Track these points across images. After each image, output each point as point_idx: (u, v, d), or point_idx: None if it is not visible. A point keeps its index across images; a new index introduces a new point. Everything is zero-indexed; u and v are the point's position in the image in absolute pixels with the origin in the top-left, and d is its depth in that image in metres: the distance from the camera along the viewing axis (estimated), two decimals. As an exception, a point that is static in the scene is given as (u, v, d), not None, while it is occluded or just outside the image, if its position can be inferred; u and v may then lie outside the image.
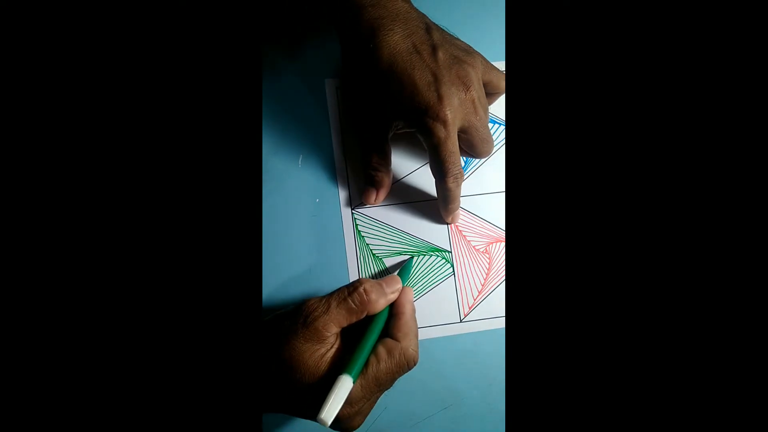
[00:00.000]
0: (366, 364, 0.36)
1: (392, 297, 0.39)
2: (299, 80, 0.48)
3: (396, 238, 0.46)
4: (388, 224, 0.46)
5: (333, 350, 0.36)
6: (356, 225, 0.46)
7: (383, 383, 0.36)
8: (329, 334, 0.36)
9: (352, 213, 0.46)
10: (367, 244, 0.46)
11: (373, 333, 0.37)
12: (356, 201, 0.46)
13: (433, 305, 0.45)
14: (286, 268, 0.45)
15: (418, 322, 0.45)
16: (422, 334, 0.45)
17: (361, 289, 0.37)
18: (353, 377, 0.34)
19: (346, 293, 0.37)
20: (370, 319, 0.38)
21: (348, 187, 0.46)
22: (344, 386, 0.33)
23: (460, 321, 0.45)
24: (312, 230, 0.46)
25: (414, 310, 0.40)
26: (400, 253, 0.46)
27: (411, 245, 0.46)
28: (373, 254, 0.45)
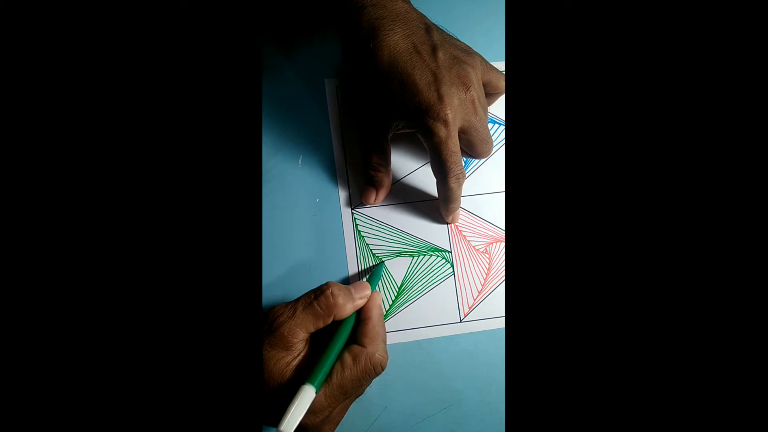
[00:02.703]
0: (331, 372, 0.35)
1: (360, 303, 0.39)
2: (299, 80, 0.48)
3: (396, 238, 0.46)
4: (388, 224, 0.46)
5: (300, 357, 0.36)
6: (356, 225, 0.46)
7: (349, 390, 0.36)
8: (296, 340, 0.35)
9: (352, 213, 0.46)
10: (367, 244, 0.46)
11: (339, 340, 0.37)
12: (356, 201, 0.46)
13: (433, 305, 0.45)
14: (286, 268, 0.45)
15: (417, 322, 0.45)
16: (422, 334, 0.45)
17: (328, 293, 0.36)
18: (316, 386, 0.34)
19: (313, 297, 0.37)
20: (337, 325, 0.38)
21: (348, 187, 0.46)
22: (306, 396, 0.33)
23: (460, 321, 0.45)
24: (312, 230, 0.46)
25: (381, 315, 0.40)
26: (400, 254, 0.46)
27: (411, 245, 0.46)
28: (373, 254, 0.46)
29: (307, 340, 0.36)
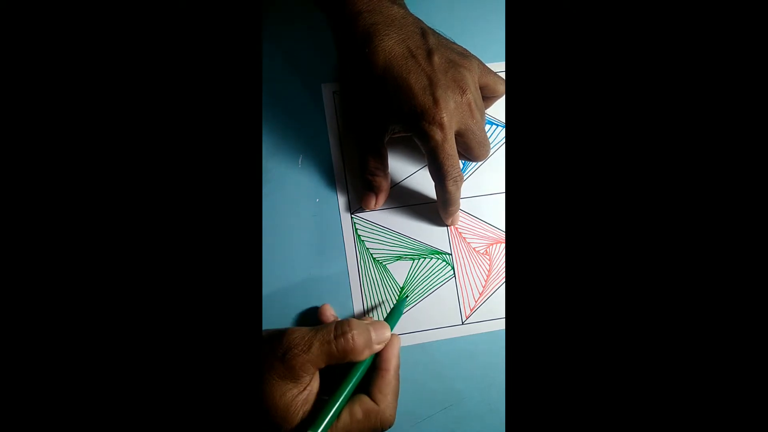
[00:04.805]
0: (339, 419, 0.35)
1: (377, 348, 0.38)
2: (298, 83, 0.48)
3: (396, 242, 0.46)
4: (388, 228, 0.46)
5: (306, 392, 0.35)
6: (356, 229, 0.46)
7: None
8: (306, 374, 0.35)
9: (352, 217, 0.46)
10: (368, 249, 0.46)
11: (348, 385, 0.36)
12: (355, 205, 0.46)
13: (435, 308, 0.45)
14: (286, 268, 0.45)
15: (419, 325, 0.45)
16: (424, 337, 0.45)
17: (348, 336, 0.36)
18: None
19: (332, 336, 0.36)
20: (350, 366, 0.37)
21: (347, 191, 0.47)
22: None
23: (462, 323, 0.45)
24: (312, 231, 0.46)
25: (398, 367, 0.39)
26: (400, 257, 0.46)
27: (411, 248, 0.46)
28: (374, 258, 0.46)
29: (315, 374, 0.36)
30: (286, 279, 0.45)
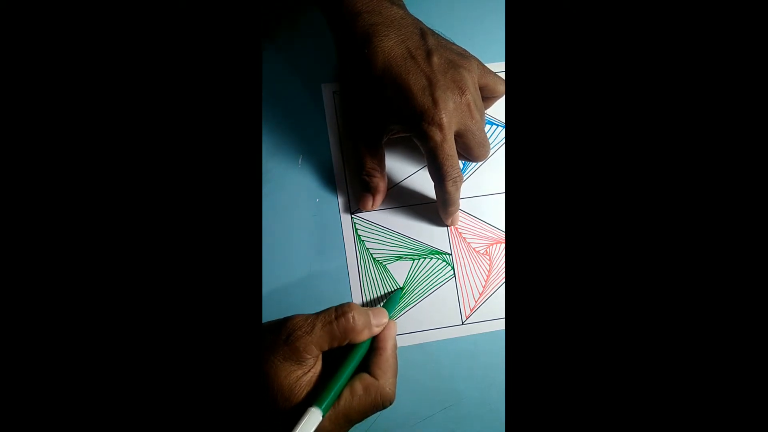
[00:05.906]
0: (339, 397, 0.35)
1: (376, 330, 0.38)
2: (298, 83, 0.48)
3: (396, 242, 0.46)
4: (388, 228, 0.46)
5: (310, 374, 0.36)
6: (356, 229, 0.46)
7: (354, 419, 0.36)
8: (309, 356, 0.35)
9: (352, 218, 0.46)
10: (368, 249, 0.46)
11: (350, 365, 0.37)
12: (355, 205, 0.47)
13: (435, 308, 0.45)
14: (286, 268, 0.45)
15: (419, 326, 0.45)
16: (423, 338, 0.45)
17: (349, 316, 0.36)
18: (323, 410, 0.34)
19: (333, 317, 0.36)
20: (350, 348, 0.37)
21: (347, 191, 0.47)
22: (312, 419, 0.33)
23: (462, 323, 0.45)
24: (312, 231, 0.46)
25: (395, 347, 0.39)
26: (400, 257, 0.46)
27: (411, 248, 0.46)
28: (374, 258, 0.46)
29: (318, 356, 0.36)
30: (286, 279, 0.45)
